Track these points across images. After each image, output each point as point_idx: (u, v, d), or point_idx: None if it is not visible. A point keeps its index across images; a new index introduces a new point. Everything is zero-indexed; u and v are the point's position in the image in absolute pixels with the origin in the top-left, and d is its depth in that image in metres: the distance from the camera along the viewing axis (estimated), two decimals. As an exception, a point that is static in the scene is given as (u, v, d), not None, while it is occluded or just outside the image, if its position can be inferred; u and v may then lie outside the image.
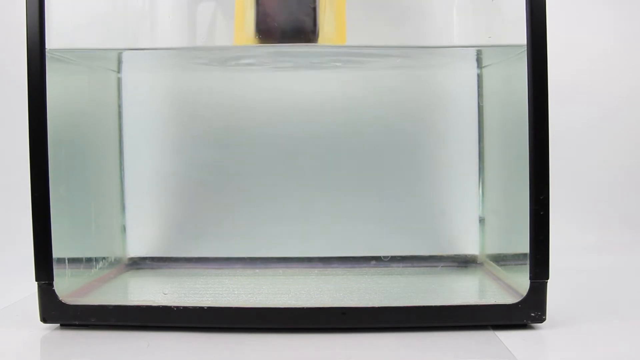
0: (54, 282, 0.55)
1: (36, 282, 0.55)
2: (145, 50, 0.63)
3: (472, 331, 0.54)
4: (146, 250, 0.74)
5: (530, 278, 0.54)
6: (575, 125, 0.97)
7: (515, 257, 0.60)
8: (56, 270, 0.55)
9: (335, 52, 0.63)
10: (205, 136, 0.74)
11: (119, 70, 0.72)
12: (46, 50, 0.54)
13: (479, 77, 0.72)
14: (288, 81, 0.73)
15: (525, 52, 0.53)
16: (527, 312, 0.54)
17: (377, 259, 0.73)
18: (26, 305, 0.63)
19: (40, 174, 0.54)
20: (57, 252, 0.56)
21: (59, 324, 0.57)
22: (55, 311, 0.55)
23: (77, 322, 0.56)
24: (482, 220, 0.73)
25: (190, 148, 0.74)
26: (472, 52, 0.68)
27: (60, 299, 0.55)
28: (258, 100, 0.73)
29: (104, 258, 0.69)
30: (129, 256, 0.74)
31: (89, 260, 0.65)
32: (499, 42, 0.61)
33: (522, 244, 0.55)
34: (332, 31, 0.58)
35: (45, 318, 0.56)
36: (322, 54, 0.64)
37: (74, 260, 0.61)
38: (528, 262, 0.54)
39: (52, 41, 0.55)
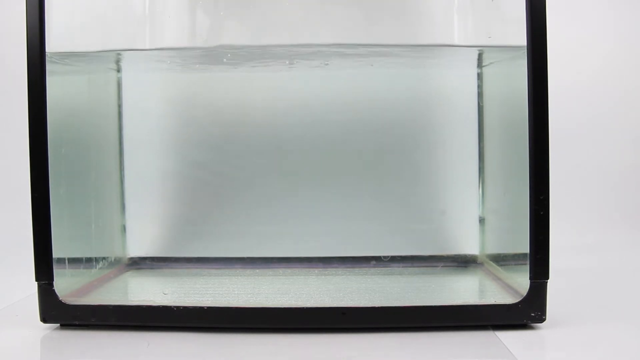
0: (54, 282, 0.55)
1: (36, 282, 0.55)
2: (145, 51, 0.63)
3: (472, 331, 0.54)
4: (146, 250, 0.74)
5: (530, 278, 0.54)
6: (576, 125, 0.97)
7: (515, 257, 0.60)
8: (56, 270, 0.55)
9: (334, 51, 0.63)
10: (205, 136, 0.74)
11: (119, 70, 0.72)
12: (46, 54, 0.54)
13: (479, 77, 0.72)
14: (287, 81, 0.73)
15: (525, 51, 0.53)
16: (527, 312, 0.54)
17: (377, 259, 0.73)
18: (26, 305, 0.63)
19: (40, 174, 0.54)
20: (57, 252, 0.56)
21: (59, 324, 0.57)
22: (55, 311, 0.55)
23: (77, 322, 0.56)
24: (482, 220, 0.73)
25: (191, 148, 0.74)
26: (472, 52, 0.67)
27: (60, 299, 0.55)
28: (257, 100, 0.73)
29: (104, 258, 0.69)
30: (129, 256, 0.74)
31: (89, 260, 0.65)
32: (499, 42, 0.61)
33: (522, 244, 0.55)
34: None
35: (45, 318, 0.56)
36: (322, 53, 0.64)
37: (74, 260, 0.61)
38: (528, 262, 0.54)
39: (52, 43, 0.55)
